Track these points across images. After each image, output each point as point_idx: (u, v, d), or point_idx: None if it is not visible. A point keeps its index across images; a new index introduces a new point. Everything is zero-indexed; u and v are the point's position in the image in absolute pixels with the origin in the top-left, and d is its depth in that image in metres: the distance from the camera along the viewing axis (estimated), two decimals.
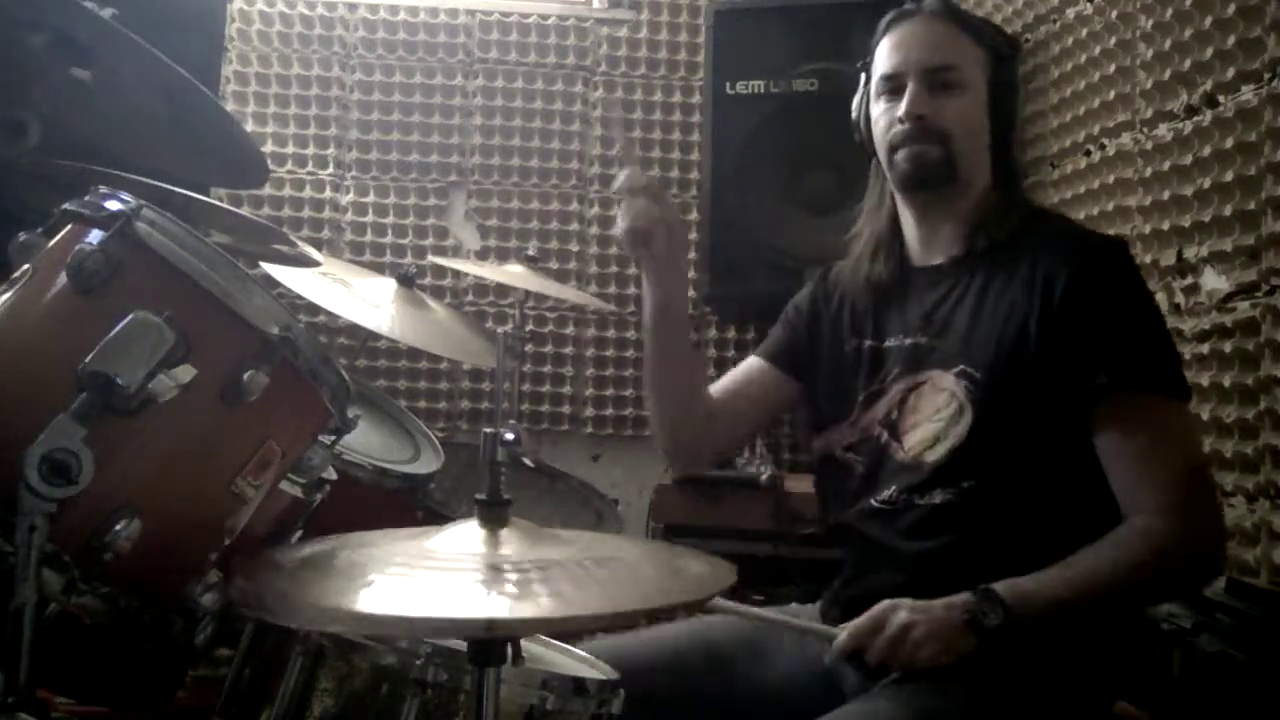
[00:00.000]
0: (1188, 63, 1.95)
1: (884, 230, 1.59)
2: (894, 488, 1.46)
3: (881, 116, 1.52)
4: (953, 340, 1.46)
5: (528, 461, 2.47)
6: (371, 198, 3.21)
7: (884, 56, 1.52)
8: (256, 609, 1.07)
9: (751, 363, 1.72)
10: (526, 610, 0.87)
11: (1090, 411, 1.36)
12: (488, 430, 1.01)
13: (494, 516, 0.98)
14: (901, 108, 1.48)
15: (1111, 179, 2.23)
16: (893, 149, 1.50)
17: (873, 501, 1.48)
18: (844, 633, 1.34)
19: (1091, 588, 1.30)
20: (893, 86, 1.50)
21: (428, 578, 0.92)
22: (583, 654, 1.39)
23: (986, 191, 1.53)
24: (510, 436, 1.00)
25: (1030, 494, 1.38)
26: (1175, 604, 1.72)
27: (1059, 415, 1.37)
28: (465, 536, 0.98)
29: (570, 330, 3.25)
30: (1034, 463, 1.38)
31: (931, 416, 1.45)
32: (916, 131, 1.47)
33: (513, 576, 0.91)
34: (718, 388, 1.71)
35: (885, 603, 1.33)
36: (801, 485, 2.46)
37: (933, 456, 1.43)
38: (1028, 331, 1.39)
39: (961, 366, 1.43)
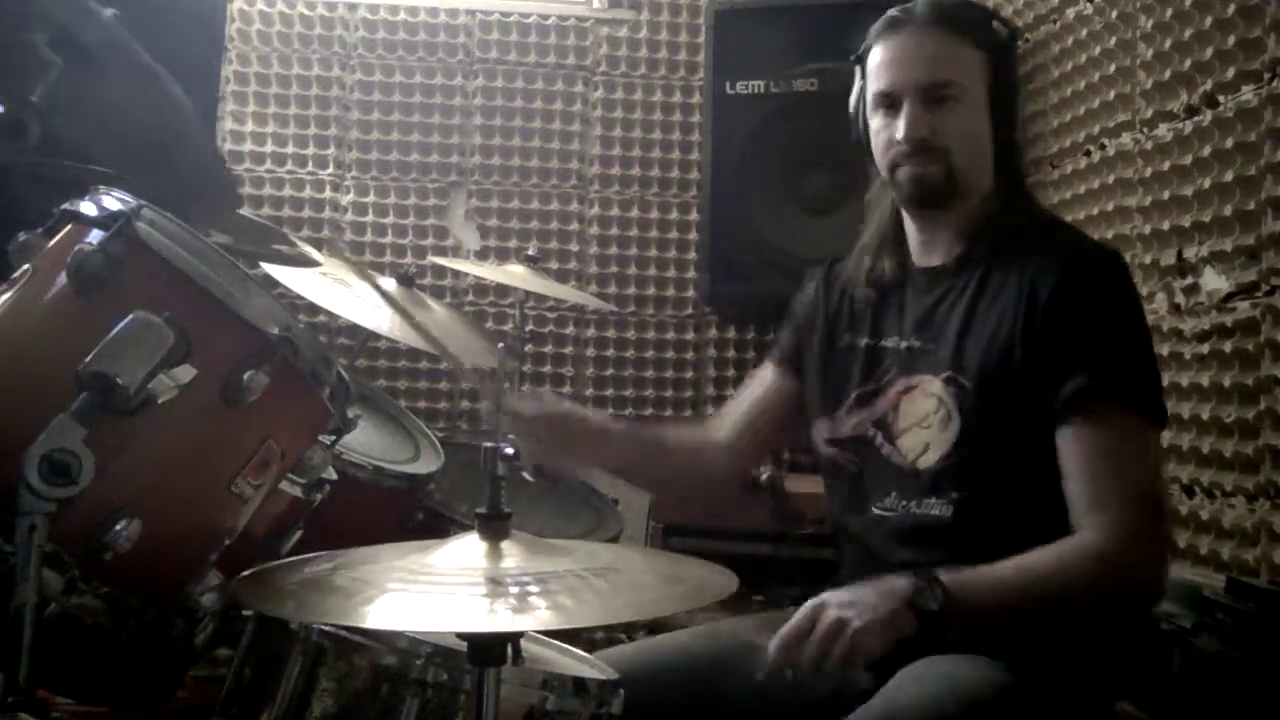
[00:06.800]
0: (1188, 63, 1.95)
1: (887, 226, 1.58)
2: (893, 494, 1.46)
3: (881, 132, 1.49)
4: (944, 346, 1.45)
5: (527, 476, 2.47)
6: (371, 198, 3.20)
7: (878, 71, 1.49)
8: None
9: (763, 372, 1.71)
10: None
11: (1060, 415, 1.35)
12: (488, 444, 1.00)
13: (494, 531, 0.98)
14: (900, 130, 1.45)
15: (1111, 179, 2.23)
16: (893, 167, 1.48)
17: (874, 509, 1.48)
18: (772, 643, 1.23)
19: (1032, 589, 1.29)
20: (889, 103, 1.47)
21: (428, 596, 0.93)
22: (583, 654, 1.39)
23: (988, 196, 1.50)
24: (510, 451, 1.00)
25: (1022, 508, 1.37)
26: (1175, 604, 1.71)
27: (1047, 427, 1.36)
28: (466, 551, 0.98)
29: (570, 330, 3.25)
30: (1025, 476, 1.37)
31: (920, 422, 1.44)
32: (916, 152, 1.45)
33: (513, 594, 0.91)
34: (733, 412, 1.71)
35: (810, 603, 1.24)
36: (801, 485, 2.45)
37: (925, 464, 1.43)
38: (1013, 340, 1.38)
39: (950, 373, 1.43)
